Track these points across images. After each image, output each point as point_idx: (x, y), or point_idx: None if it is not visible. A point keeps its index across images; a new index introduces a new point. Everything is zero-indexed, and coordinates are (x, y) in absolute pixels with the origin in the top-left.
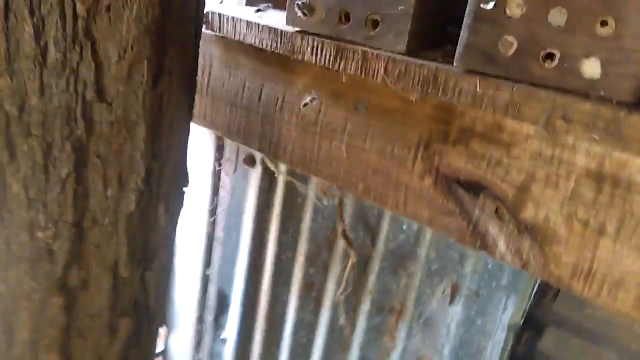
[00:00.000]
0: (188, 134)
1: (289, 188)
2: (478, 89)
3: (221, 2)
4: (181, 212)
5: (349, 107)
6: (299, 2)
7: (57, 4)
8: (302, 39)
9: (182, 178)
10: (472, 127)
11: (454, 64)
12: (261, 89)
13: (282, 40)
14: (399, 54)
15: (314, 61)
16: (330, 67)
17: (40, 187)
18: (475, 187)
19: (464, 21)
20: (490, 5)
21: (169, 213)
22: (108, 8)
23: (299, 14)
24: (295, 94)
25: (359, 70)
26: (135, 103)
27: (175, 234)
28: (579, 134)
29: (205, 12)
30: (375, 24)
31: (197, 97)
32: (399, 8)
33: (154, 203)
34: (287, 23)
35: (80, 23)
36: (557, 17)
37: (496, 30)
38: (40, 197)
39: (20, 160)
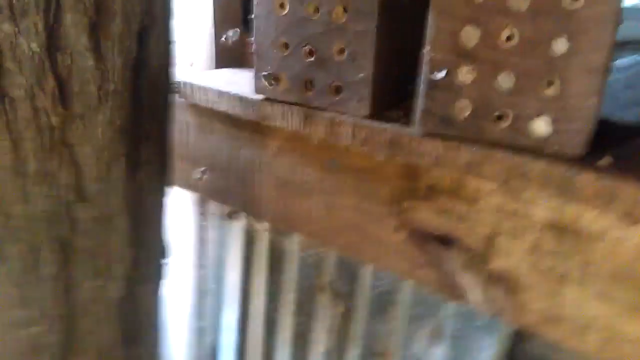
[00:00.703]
0: (165, 204)
1: (273, 241)
2: (439, 151)
3: (191, 65)
4: (163, 283)
5: (322, 167)
6: (264, 74)
7: (32, 119)
8: (271, 106)
9: (164, 252)
10: (438, 184)
11: (414, 127)
12: (238, 152)
13: (252, 108)
14: (364, 117)
15: (284, 126)
16: (301, 131)
17: (31, 286)
18: (446, 240)
19: (419, 88)
20: (441, 76)
21: (156, 285)
22: (82, 116)
23: (266, 84)
24: (270, 155)
25: (327, 135)
26: (116, 198)
27: (161, 304)
28: (536, 190)
29: (177, 81)
30: (338, 90)
31: (177, 161)
32: (359, 76)
33: (142, 283)
34: (256, 92)
35: (56, 133)
36: (506, 81)
37: (450, 96)
38: (32, 295)
39: (11, 263)
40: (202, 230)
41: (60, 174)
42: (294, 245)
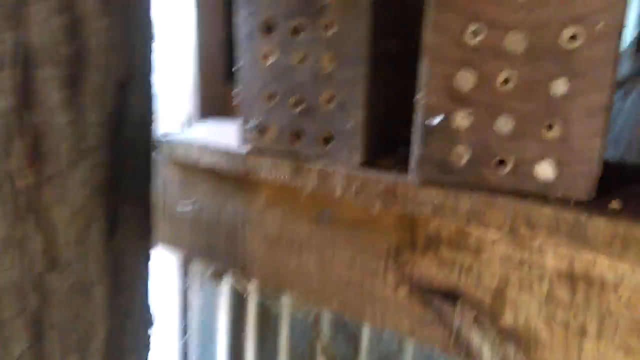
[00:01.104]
0: (148, 268)
1: (263, 302)
2: (438, 200)
3: (173, 118)
4: (149, 353)
5: (312, 220)
6: (251, 125)
7: None
8: (258, 159)
9: (147, 321)
10: (438, 235)
11: (409, 175)
12: (222, 207)
13: (237, 162)
14: (356, 167)
15: (272, 179)
16: (290, 183)
17: None
18: (451, 296)
19: (413, 134)
20: (437, 121)
21: (141, 357)
22: (54, 177)
23: (252, 135)
24: (257, 210)
25: (318, 186)
26: (91, 264)
27: None
28: (544, 238)
29: (157, 136)
30: (328, 139)
31: (159, 218)
32: (349, 124)
33: (124, 356)
34: (242, 144)
35: (25, 196)
36: (504, 125)
37: (446, 142)
38: None
39: None
40: (186, 292)
41: (30, 240)
42: (285, 305)
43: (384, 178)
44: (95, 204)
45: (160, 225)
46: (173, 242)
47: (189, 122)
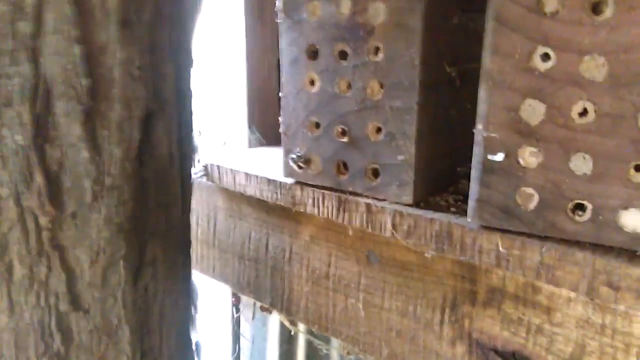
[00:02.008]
0: (183, 305)
1: (311, 342)
2: (500, 249)
3: (224, 144)
4: None
5: (360, 260)
6: (293, 156)
7: (17, 220)
8: (301, 190)
9: (185, 356)
10: (503, 287)
11: (469, 218)
12: (267, 239)
13: (282, 192)
14: (407, 204)
15: (316, 213)
16: (334, 219)
17: None
18: (517, 359)
19: (472, 173)
20: (500, 157)
21: None
22: (74, 215)
23: (295, 166)
24: (302, 245)
25: (364, 224)
26: (115, 306)
27: None
28: (632, 302)
29: (204, 164)
30: (375, 173)
31: (204, 249)
32: (399, 158)
33: None
34: (285, 175)
35: (44, 234)
36: (581, 164)
37: (511, 183)
38: None
39: None
40: (238, 323)
41: (50, 280)
42: (334, 351)
43: (438, 219)
44: (120, 243)
45: (208, 255)
46: (220, 274)
47: (241, 149)
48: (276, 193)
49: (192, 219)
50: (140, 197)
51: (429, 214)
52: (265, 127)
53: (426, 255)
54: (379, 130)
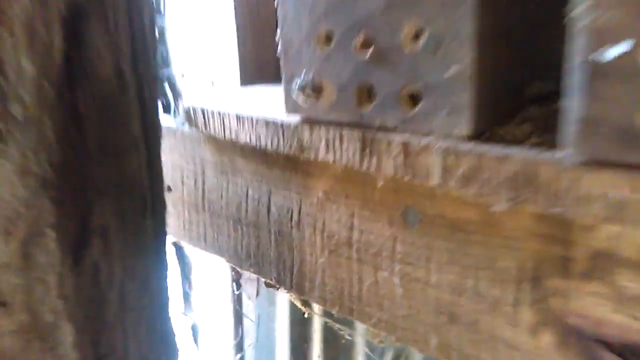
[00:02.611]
0: (160, 284)
1: (329, 327)
2: (614, 194)
3: (212, 84)
4: None
5: (394, 220)
6: (297, 83)
7: None
8: (311, 130)
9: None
10: (615, 250)
11: (565, 151)
12: (269, 198)
13: (285, 135)
14: (463, 138)
15: (331, 160)
16: (357, 166)
17: None
18: (634, 353)
19: (566, 80)
20: (614, 54)
21: None
22: None
23: (301, 97)
24: (314, 203)
25: (400, 170)
26: (47, 297)
27: None
28: None
29: (186, 107)
30: (414, 98)
31: (192, 213)
32: (450, 71)
33: None
34: (288, 111)
35: None
36: None
37: (633, 92)
38: None
39: None
40: (240, 302)
41: None
42: (358, 337)
43: (514, 155)
44: (45, 204)
45: (197, 220)
46: (212, 244)
47: (232, 88)
48: (277, 137)
49: (176, 176)
50: (74, 136)
51: (499, 150)
52: (261, 59)
53: (493, 209)
54: (418, 34)
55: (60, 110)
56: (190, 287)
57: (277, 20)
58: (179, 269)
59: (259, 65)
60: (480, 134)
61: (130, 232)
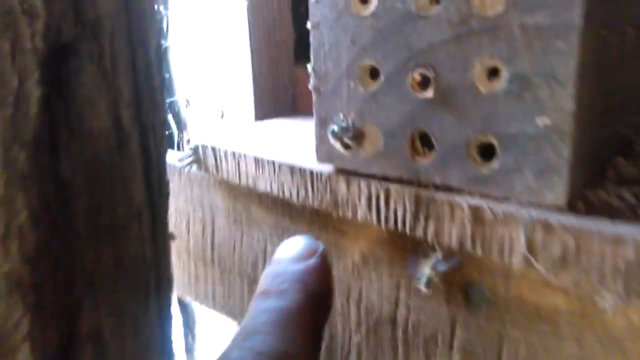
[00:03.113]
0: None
1: None
2: None
3: (222, 116)
4: None
5: (454, 297)
6: (334, 129)
7: None
8: (348, 184)
9: None
10: None
11: None
12: None
13: (316, 187)
14: (554, 208)
15: (374, 221)
16: (409, 231)
17: None
18: None
19: None
20: None
21: None
22: None
23: (337, 145)
24: (349, 269)
25: (469, 244)
26: None
27: None
28: None
29: (194, 145)
30: (488, 151)
31: (199, 267)
32: (539, 122)
33: None
34: (320, 160)
35: None
36: None
37: None
38: None
39: None
40: None
41: None
42: None
43: (628, 237)
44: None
45: (205, 274)
46: (222, 304)
47: (246, 123)
48: (305, 188)
49: (180, 222)
50: (56, 216)
51: (608, 227)
52: (278, 87)
53: (596, 300)
54: (495, 72)
55: (37, 182)
56: (193, 339)
57: (297, 43)
58: (182, 319)
59: (276, 95)
60: (574, 202)
61: (130, 331)
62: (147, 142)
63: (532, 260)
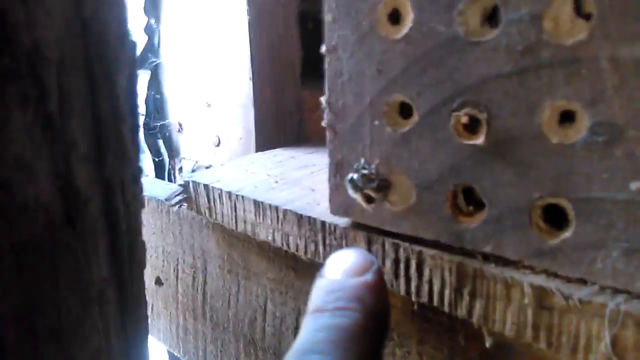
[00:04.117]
0: None
1: None
2: None
3: (218, 144)
4: None
5: None
6: (355, 176)
7: None
8: (369, 244)
9: None
10: None
11: None
12: (296, 319)
13: (328, 244)
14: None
15: (402, 292)
16: (447, 309)
17: None
18: None
19: None
20: None
21: None
22: None
23: (356, 196)
24: None
25: (529, 333)
26: None
27: None
28: None
29: (183, 181)
30: (556, 218)
31: (189, 320)
32: (637, 184)
33: None
34: (335, 212)
35: None
36: None
37: None
38: None
39: None
40: None
41: None
42: None
43: None
44: None
45: (195, 330)
46: None
47: (242, 152)
48: (315, 243)
49: (168, 266)
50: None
51: None
52: (281, 114)
53: None
54: (571, 117)
55: None
56: None
57: (304, 62)
58: None
59: (280, 121)
60: None
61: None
62: (114, 203)
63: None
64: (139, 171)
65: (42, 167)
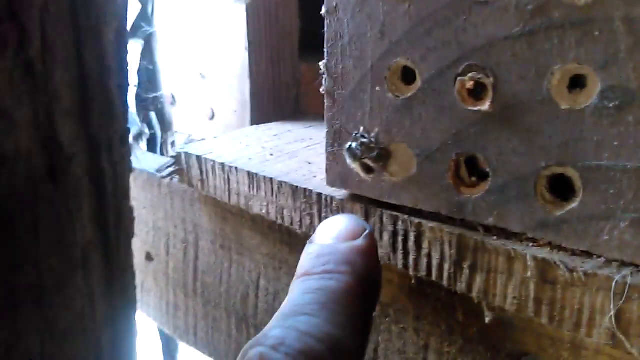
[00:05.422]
0: None
1: None
2: None
3: (211, 118)
4: None
5: None
6: (353, 145)
7: None
8: (366, 216)
9: None
10: None
11: None
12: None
13: (324, 216)
14: None
15: (400, 265)
16: (446, 284)
17: None
18: None
19: None
20: None
21: None
22: None
23: (355, 166)
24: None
25: (531, 308)
26: None
27: None
28: None
29: (175, 153)
30: (562, 187)
31: (180, 296)
32: None
33: None
34: (331, 183)
35: None
36: None
37: None
38: None
39: None
40: None
41: None
42: None
43: None
44: None
45: (186, 307)
46: (206, 342)
47: (237, 125)
48: (311, 216)
49: (159, 241)
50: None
51: None
52: (278, 86)
53: None
54: (581, 82)
55: None
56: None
57: (303, 33)
58: (162, 344)
59: (276, 94)
60: None
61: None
62: (99, 162)
63: (623, 338)
64: (126, 132)
65: (22, 116)
